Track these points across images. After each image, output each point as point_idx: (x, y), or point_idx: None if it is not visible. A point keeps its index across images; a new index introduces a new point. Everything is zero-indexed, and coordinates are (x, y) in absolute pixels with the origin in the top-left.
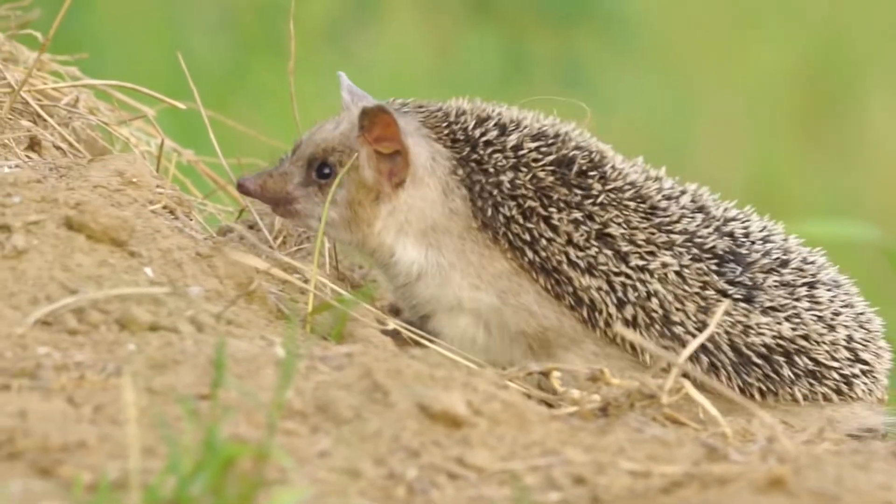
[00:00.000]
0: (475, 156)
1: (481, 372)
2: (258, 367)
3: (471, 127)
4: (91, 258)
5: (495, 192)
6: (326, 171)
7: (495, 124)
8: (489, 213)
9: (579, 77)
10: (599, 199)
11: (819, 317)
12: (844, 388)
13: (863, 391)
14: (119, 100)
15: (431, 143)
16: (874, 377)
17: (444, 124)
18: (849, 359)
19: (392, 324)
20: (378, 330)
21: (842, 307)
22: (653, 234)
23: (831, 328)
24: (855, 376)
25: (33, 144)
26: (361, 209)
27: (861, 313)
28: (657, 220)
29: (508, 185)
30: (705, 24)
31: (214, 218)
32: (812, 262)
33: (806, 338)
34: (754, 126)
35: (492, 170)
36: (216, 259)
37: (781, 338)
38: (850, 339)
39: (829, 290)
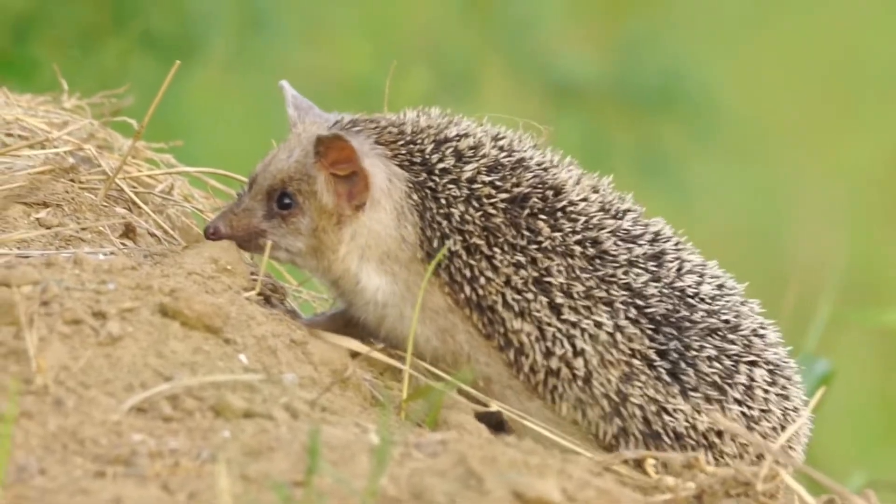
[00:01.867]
0: (430, 183)
1: (576, 458)
2: (352, 454)
3: (428, 151)
4: (185, 345)
5: (444, 223)
6: (287, 200)
7: (453, 151)
8: (435, 244)
9: (661, 166)
10: (544, 245)
11: (745, 413)
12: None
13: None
14: (213, 187)
15: (387, 164)
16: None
17: (401, 142)
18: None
19: (494, 406)
20: (473, 416)
21: (775, 399)
22: (594, 286)
23: (750, 429)
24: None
25: (128, 231)
26: (325, 235)
27: (793, 409)
28: (601, 272)
29: (458, 219)
30: (794, 111)
31: (309, 305)
32: (762, 337)
33: (720, 435)
34: (852, 213)
35: (444, 200)
36: (311, 346)
37: (694, 429)
38: (760, 456)
39: (769, 371)
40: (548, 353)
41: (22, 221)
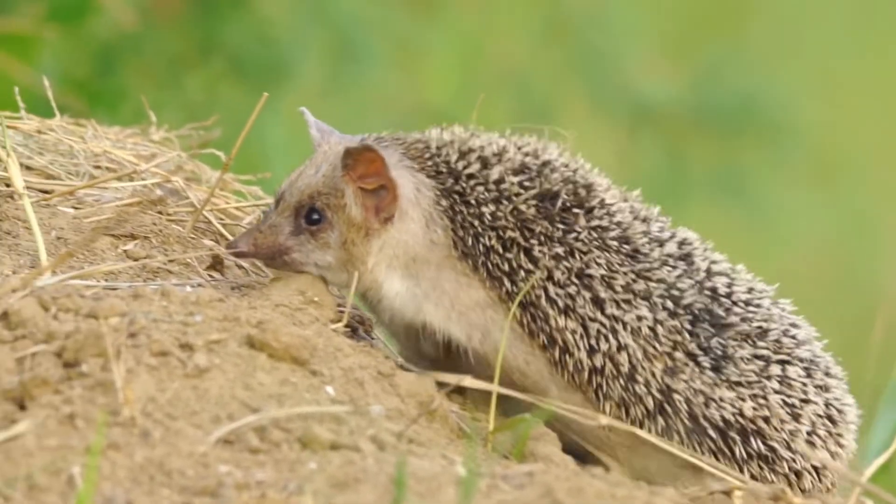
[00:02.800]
0: (458, 188)
1: (662, 491)
2: (439, 486)
3: (454, 160)
4: (272, 377)
5: (476, 222)
6: (315, 216)
7: (477, 157)
8: (469, 242)
9: (741, 189)
10: (582, 236)
11: (786, 402)
12: (793, 478)
13: (808, 486)
14: None
15: (415, 174)
16: (824, 475)
17: (427, 155)
18: (803, 453)
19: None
20: (560, 447)
21: (815, 392)
22: (632, 280)
23: (795, 417)
24: (804, 472)
25: (216, 263)
26: (354, 248)
27: (836, 399)
28: (638, 266)
29: (489, 217)
30: (882, 133)
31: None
32: (794, 337)
33: (766, 420)
34: None
35: (473, 202)
36: (397, 377)
37: (742, 415)
38: (812, 432)
39: (804, 369)
40: (592, 351)
41: (110, 253)
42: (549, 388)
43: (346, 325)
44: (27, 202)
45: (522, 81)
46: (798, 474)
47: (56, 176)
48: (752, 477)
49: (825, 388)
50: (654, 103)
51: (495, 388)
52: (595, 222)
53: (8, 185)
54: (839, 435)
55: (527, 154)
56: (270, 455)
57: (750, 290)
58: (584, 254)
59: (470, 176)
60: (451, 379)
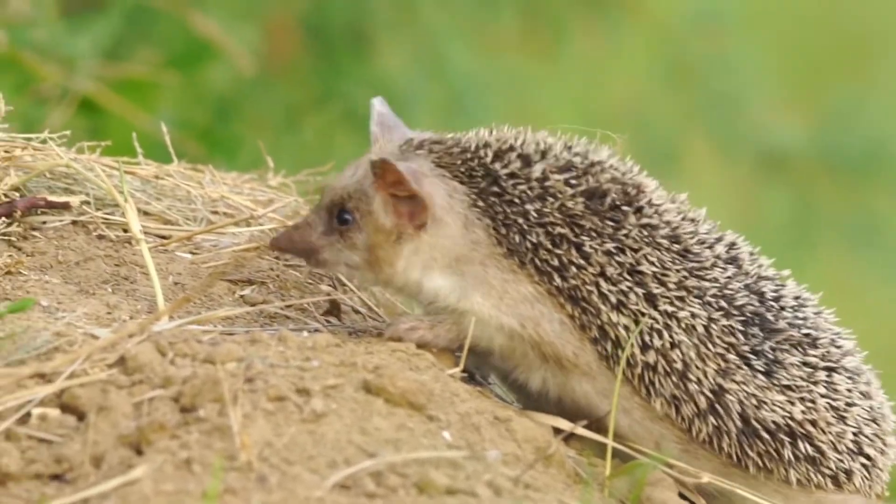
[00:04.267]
0: (495, 188)
1: None
2: None
3: (490, 161)
4: (389, 422)
5: (521, 220)
6: (346, 216)
7: (518, 156)
8: (516, 239)
9: (872, 237)
10: (632, 234)
11: (832, 405)
12: (843, 477)
13: (860, 484)
14: None
15: (447, 182)
16: (876, 471)
17: (460, 161)
18: (851, 451)
19: (704, 477)
20: (677, 493)
21: (859, 398)
22: (685, 277)
23: (842, 419)
24: (853, 471)
25: (332, 309)
26: (382, 251)
27: (878, 406)
28: (689, 265)
29: (535, 214)
30: None
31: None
32: (839, 347)
33: (814, 423)
34: None
35: (516, 200)
36: (514, 422)
37: (792, 419)
38: (858, 432)
39: (849, 377)
40: (645, 347)
41: (227, 298)
42: (597, 379)
43: (463, 371)
44: (144, 247)
45: (645, 125)
46: (848, 472)
47: (173, 221)
48: (798, 481)
49: (867, 395)
50: (781, 148)
51: (610, 444)
52: (645, 220)
53: (126, 231)
54: (884, 435)
55: (575, 154)
56: (387, 500)
57: (797, 298)
58: (636, 251)
59: (510, 175)
60: (566, 425)
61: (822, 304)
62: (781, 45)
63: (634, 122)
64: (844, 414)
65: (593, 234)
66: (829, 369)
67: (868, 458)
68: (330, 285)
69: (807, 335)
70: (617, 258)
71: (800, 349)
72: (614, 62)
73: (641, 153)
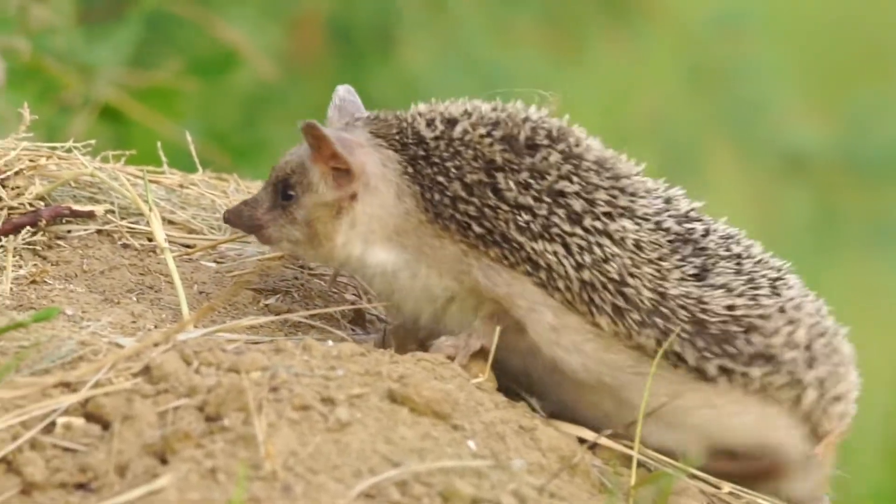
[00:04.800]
0: (421, 152)
1: None
2: None
3: (422, 127)
4: (414, 431)
5: (441, 178)
6: (290, 192)
7: (443, 119)
8: (436, 198)
9: (893, 238)
10: (552, 159)
11: (781, 308)
12: (795, 391)
13: (811, 404)
14: None
15: (382, 151)
16: (826, 399)
17: (395, 130)
18: (804, 362)
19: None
20: (703, 502)
21: (807, 316)
22: (614, 197)
23: (791, 322)
24: (806, 384)
25: (358, 318)
26: (320, 224)
27: (828, 329)
28: (619, 183)
29: (455, 170)
30: None
31: None
32: (778, 268)
33: (763, 318)
34: None
35: (437, 160)
36: (539, 432)
37: (735, 308)
38: (809, 345)
39: (796, 290)
40: (579, 266)
41: (251, 308)
42: (544, 313)
43: (487, 380)
44: (169, 256)
45: (667, 130)
46: (801, 385)
47: (198, 230)
48: (760, 383)
49: (818, 313)
50: (803, 151)
51: (636, 453)
52: (567, 150)
53: (150, 240)
54: (836, 353)
55: (502, 111)
56: None
57: (727, 235)
58: (558, 175)
59: (435, 138)
60: (590, 435)
61: (841, 309)
62: (803, 49)
63: (657, 126)
64: (794, 317)
65: (507, 170)
66: (773, 279)
67: (819, 377)
68: (355, 294)
69: (737, 254)
70: (535, 185)
71: (734, 260)
72: (636, 66)
73: (663, 157)
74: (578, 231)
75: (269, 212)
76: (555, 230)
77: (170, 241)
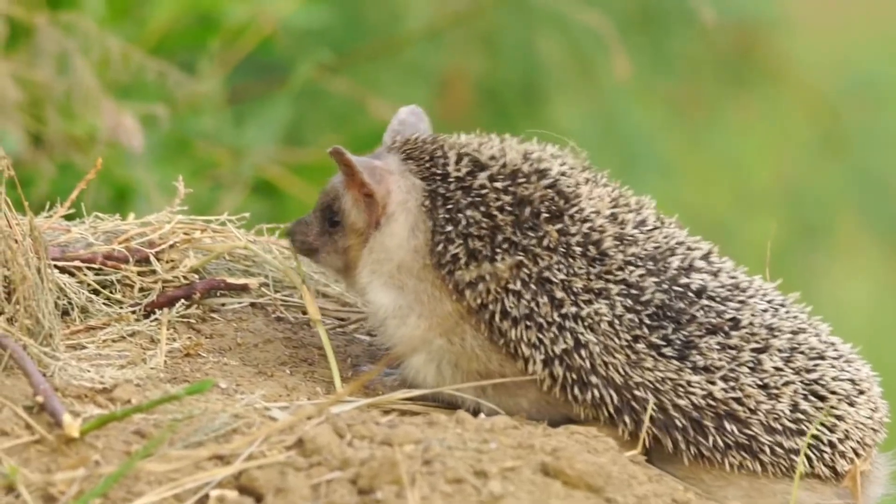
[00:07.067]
0: (442, 190)
1: None
2: None
3: (451, 162)
4: None
5: (449, 227)
6: (335, 218)
7: (471, 160)
8: (439, 247)
9: None
10: (545, 242)
11: (760, 384)
12: (784, 462)
13: (817, 466)
14: None
15: (409, 178)
16: (828, 450)
17: (427, 158)
18: (789, 430)
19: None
20: None
21: (794, 374)
22: (590, 280)
23: (773, 396)
24: (796, 451)
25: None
26: (353, 253)
27: (826, 382)
28: (599, 268)
29: (464, 223)
30: None
31: None
32: (770, 326)
33: (738, 401)
34: None
35: (451, 204)
36: None
37: (712, 398)
38: (794, 409)
39: (785, 357)
40: (548, 360)
41: None
42: (528, 389)
43: (640, 453)
44: (322, 330)
45: (797, 196)
46: (792, 453)
47: (351, 303)
48: (739, 466)
49: (809, 371)
50: None
51: None
52: (562, 226)
53: (304, 313)
54: (833, 407)
55: (527, 159)
56: None
57: (734, 288)
58: (547, 259)
59: (458, 178)
60: None
61: None
62: None
63: (787, 192)
64: (776, 391)
65: (506, 246)
66: (757, 350)
67: (815, 437)
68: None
69: (731, 319)
70: (525, 270)
71: (720, 333)
72: (768, 131)
73: (791, 222)
74: (555, 317)
75: (319, 237)
76: (537, 318)
77: (323, 314)
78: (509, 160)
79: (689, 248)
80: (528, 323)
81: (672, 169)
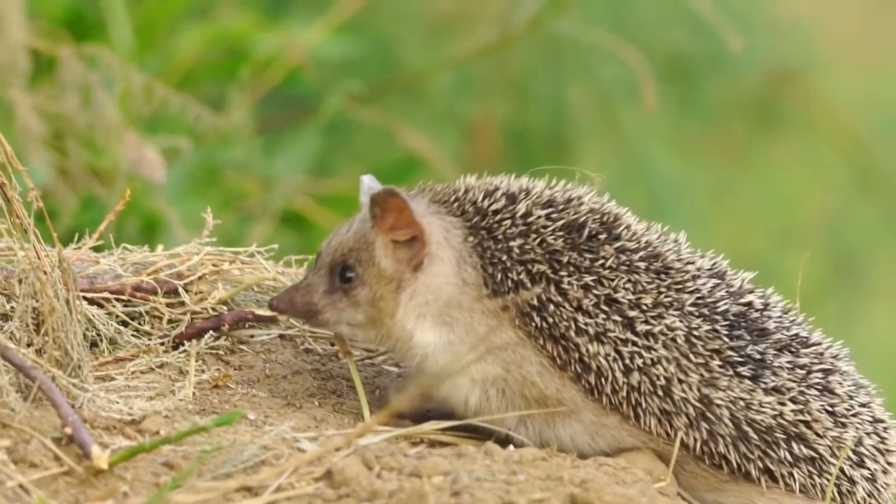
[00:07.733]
0: (484, 223)
1: None
2: None
3: (479, 199)
4: None
5: (504, 257)
6: (349, 274)
7: (503, 194)
8: (498, 278)
9: None
10: (609, 262)
11: (829, 409)
12: (846, 486)
13: (863, 497)
14: None
15: (442, 217)
16: (878, 487)
17: (453, 198)
18: (851, 460)
19: None
20: None
21: (860, 407)
22: (660, 293)
23: (840, 424)
24: (856, 481)
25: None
26: (384, 302)
27: (880, 420)
28: (667, 281)
29: (517, 251)
30: None
31: None
32: (834, 357)
33: (807, 425)
34: None
35: (501, 236)
36: None
37: (783, 418)
38: (859, 442)
39: (851, 384)
40: (627, 370)
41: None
42: (582, 413)
43: (670, 484)
44: (351, 361)
45: (833, 236)
46: (852, 482)
47: None
48: (802, 485)
49: (869, 406)
50: None
51: None
52: (621, 244)
53: (332, 345)
54: (888, 451)
55: (555, 190)
56: None
57: (788, 311)
58: (612, 280)
59: (496, 211)
60: None
61: None
62: None
63: (823, 232)
64: (843, 420)
65: (571, 269)
66: (825, 371)
67: (870, 472)
68: None
69: (795, 336)
70: (594, 291)
71: (790, 351)
72: (801, 173)
73: (829, 261)
74: (630, 336)
75: (326, 296)
76: (611, 335)
77: (352, 346)
78: (539, 191)
79: (735, 272)
80: (603, 339)
81: (703, 215)
